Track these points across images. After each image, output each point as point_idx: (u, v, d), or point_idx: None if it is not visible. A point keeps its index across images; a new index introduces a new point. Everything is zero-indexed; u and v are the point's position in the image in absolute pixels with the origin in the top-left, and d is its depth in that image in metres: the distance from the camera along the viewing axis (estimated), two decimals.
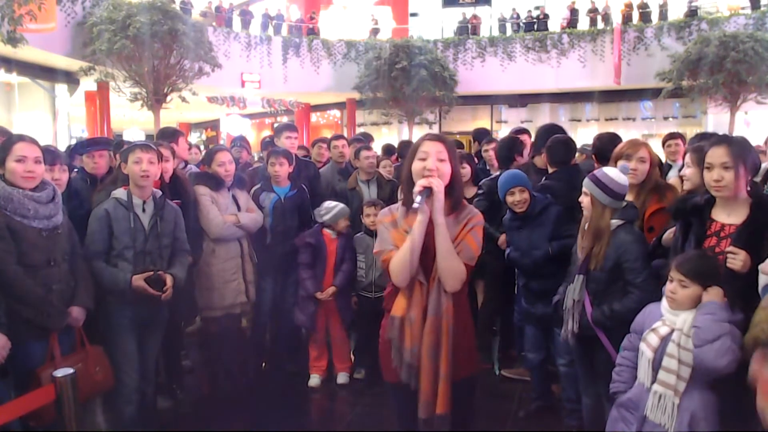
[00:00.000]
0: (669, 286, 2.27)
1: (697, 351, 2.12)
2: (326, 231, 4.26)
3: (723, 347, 2.06)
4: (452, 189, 2.20)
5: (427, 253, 2.14)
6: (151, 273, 3.12)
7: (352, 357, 4.56)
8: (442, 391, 2.12)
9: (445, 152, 2.18)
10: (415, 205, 2.06)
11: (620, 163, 3.02)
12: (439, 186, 2.09)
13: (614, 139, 3.97)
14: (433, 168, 2.13)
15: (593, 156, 4.03)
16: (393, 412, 2.42)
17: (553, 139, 3.92)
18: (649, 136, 17.37)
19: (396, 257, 2.15)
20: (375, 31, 19.63)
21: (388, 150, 6.39)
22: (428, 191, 2.08)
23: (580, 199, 2.81)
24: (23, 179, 2.71)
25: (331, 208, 4.24)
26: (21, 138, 2.79)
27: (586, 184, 2.78)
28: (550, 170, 3.92)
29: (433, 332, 2.12)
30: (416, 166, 2.18)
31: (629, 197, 3.01)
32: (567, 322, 2.83)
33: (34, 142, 2.82)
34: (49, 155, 3.19)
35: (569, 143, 3.95)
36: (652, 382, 2.27)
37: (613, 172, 2.79)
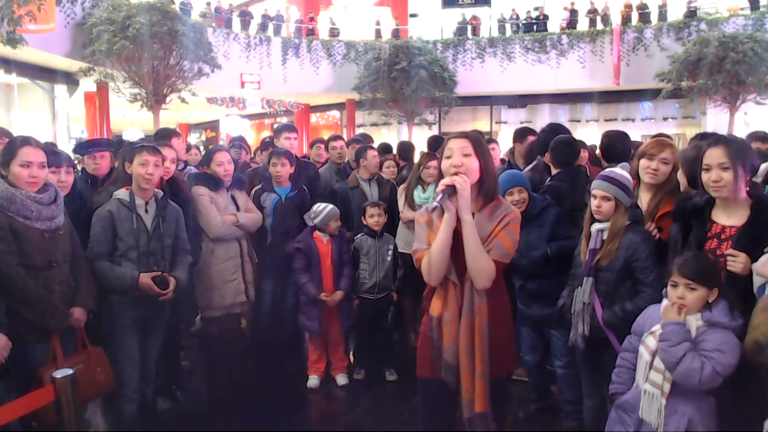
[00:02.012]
0: (676, 293, 2.23)
1: (673, 376, 2.16)
2: (317, 234, 4.24)
3: (687, 369, 2.09)
4: (482, 184, 2.18)
5: (460, 251, 2.13)
6: (158, 273, 3.13)
7: (352, 358, 4.55)
8: (479, 390, 2.13)
9: (469, 147, 2.16)
10: (434, 204, 2.05)
11: (642, 162, 3.00)
12: (463, 183, 2.07)
13: (623, 137, 3.95)
14: (458, 164, 2.13)
15: (600, 154, 4.01)
16: (425, 408, 2.40)
17: (556, 140, 3.90)
18: (648, 137, 17.36)
19: (426, 256, 2.16)
20: (334, 32, 19.60)
21: (384, 148, 6.39)
22: (450, 189, 2.07)
23: (596, 205, 2.76)
24: (27, 184, 2.72)
25: (320, 211, 4.20)
26: (27, 141, 2.78)
27: (607, 188, 2.73)
28: (554, 171, 3.90)
29: (467, 331, 2.14)
30: (444, 164, 2.18)
31: (644, 198, 3.02)
32: (576, 325, 2.81)
33: (39, 145, 2.82)
34: (55, 157, 3.19)
35: (573, 143, 3.93)
36: None
37: (624, 172, 2.79)
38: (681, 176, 2.80)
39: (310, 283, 4.17)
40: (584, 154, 4.12)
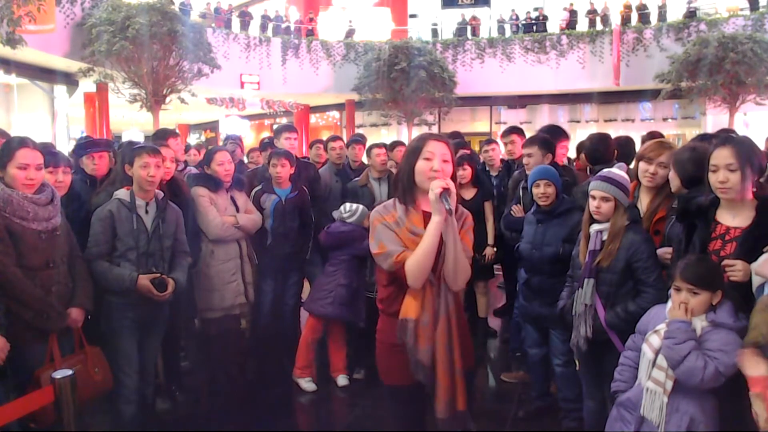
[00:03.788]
0: (680, 297, 2.22)
1: (675, 374, 2.15)
2: None
3: (690, 367, 2.08)
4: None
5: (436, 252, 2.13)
6: (157, 275, 3.12)
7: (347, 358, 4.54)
8: (460, 389, 2.13)
9: (449, 153, 2.17)
10: (448, 207, 2.03)
11: (641, 165, 3.00)
12: (453, 187, 2.07)
13: (605, 139, 3.96)
14: (439, 169, 2.12)
15: (585, 156, 4.02)
16: (394, 415, 2.39)
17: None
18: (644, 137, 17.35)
19: (413, 259, 2.09)
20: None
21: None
22: (447, 192, 2.05)
23: (596, 205, 2.76)
24: (24, 186, 2.71)
25: (354, 210, 4.24)
26: (23, 143, 2.76)
27: (606, 188, 2.73)
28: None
29: (445, 331, 2.13)
30: (421, 165, 2.15)
31: (644, 200, 3.01)
32: (579, 327, 2.81)
33: (36, 147, 2.80)
34: (53, 158, 3.18)
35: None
36: None
37: (621, 172, 2.79)
38: (673, 177, 2.80)
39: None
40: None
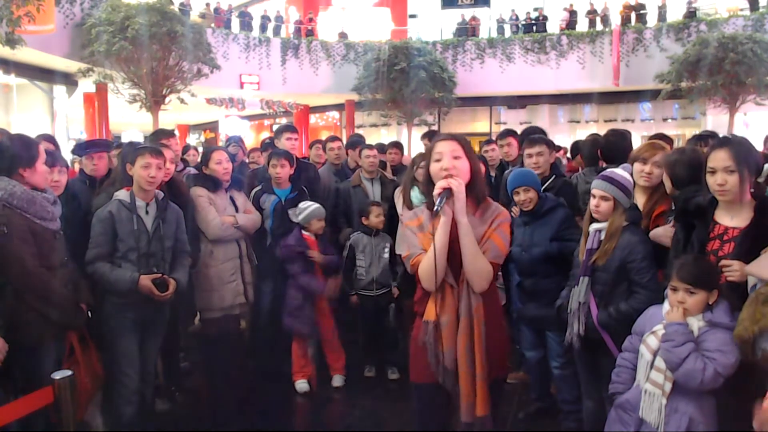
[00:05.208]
0: (677, 297, 2.23)
1: (674, 376, 2.16)
2: (306, 234, 4.17)
3: (690, 370, 2.09)
4: (473, 186, 2.17)
5: (455, 254, 2.11)
6: (159, 276, 3.12)
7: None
8: (480, 393, 2.12)
9: (460, 149, 2.16)
10: (436, 208, 2.03)
11: (636, 165, 3.01)
12: (458, 186, 2.06)
13: (624, 136, 3.94)
14: (449, 167, 2.11)
15: (599, 153, 4.01)
16: (418, 413, 2.39)
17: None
18: (647, 138, 17.34)
19: (424, 262, 2.13)
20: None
21: (381, 148, 6.39)
22: (448, 192, 2.05)
23: (595, 204, 2.78)
24: (45, 182, 2.76)
25: (304, 208, 4.17)
26: (36, 140, 2.82)
27: (606, 188, 2.74)
28: None
29: (466, 334, 2.12)
30: (434, 167, 2.16)
31: (640, 200, 3.02)
32: (572, 325, 2.82)
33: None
34: (50, 157, 3.20)
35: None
36: None
37: (624, 173, 2.80)
38: (665, 179, 2.81)
39: (314, 283, 4.09)
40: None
